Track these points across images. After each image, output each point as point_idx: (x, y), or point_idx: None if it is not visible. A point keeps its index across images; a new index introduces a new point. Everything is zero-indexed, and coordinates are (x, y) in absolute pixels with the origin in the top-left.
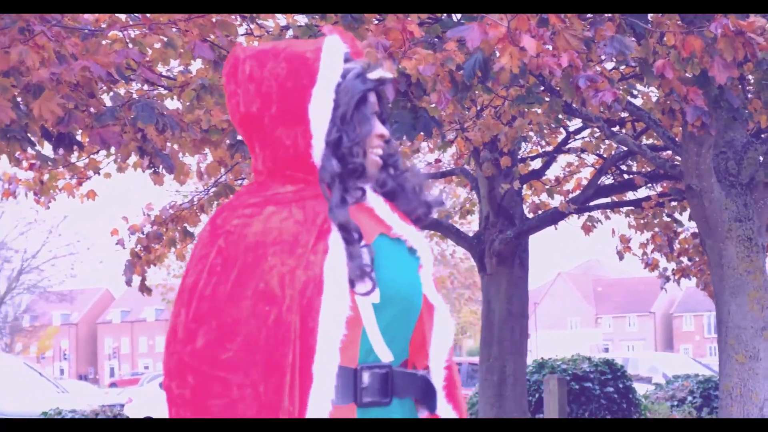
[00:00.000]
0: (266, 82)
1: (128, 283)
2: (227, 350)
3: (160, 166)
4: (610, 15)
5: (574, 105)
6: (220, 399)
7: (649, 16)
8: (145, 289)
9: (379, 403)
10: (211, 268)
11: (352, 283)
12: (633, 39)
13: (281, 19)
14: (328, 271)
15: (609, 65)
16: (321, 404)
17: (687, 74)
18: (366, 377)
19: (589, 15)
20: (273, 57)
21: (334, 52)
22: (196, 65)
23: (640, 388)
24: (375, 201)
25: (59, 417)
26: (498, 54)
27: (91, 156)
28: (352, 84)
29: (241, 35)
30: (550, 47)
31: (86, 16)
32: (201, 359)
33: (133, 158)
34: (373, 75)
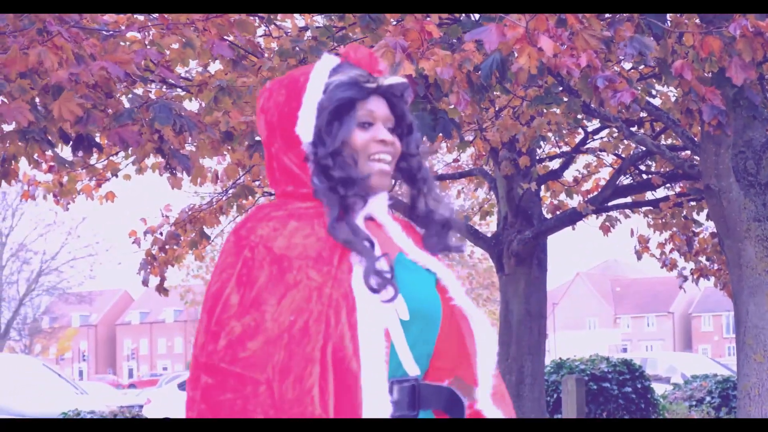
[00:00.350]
0: (270, 111)
1: (144, 283)
2: (246, 349)
3: (177, 168)
4: (628, 15)
5: (592, 105)
6: (233, 393)
7: (668, 16)
8: (162, 290)
9: (406, 416)
10: (238, 278)
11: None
12: (652, 39)
13: (299, 19)
14: (357, 288)
15: (627, 65)
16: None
17: (705, 73)
18: (395, 391)
19: (607, 15)
20: (279, 85)
21: (320, 69)
22: (215, 66)
23: (659, 388)
24: (392, 226)
25: (78, 417)
26: (516, 54)
27: (110, 158)
28: (329, 95)
29: (260, 36)
30: (569, 47)
31: (105, 17)
32: (220, 358)
33: (152, 160)
34: (370, 84)
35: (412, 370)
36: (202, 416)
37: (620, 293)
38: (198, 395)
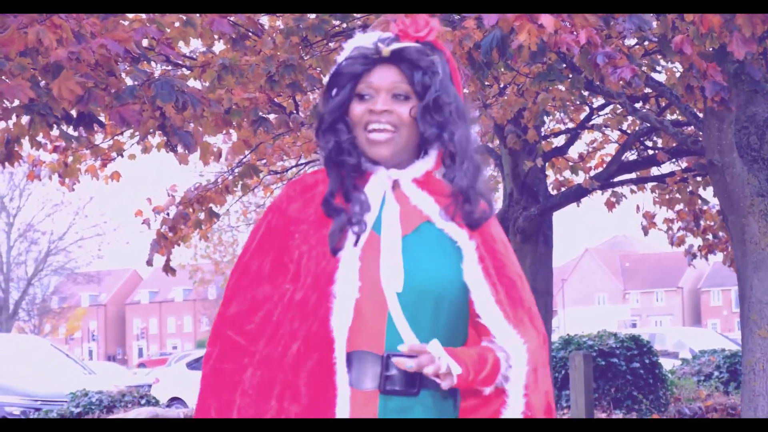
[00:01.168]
0: None
1: (149, 263)
2: (252, 322)
3: (178, 145)
4: None
5: (595, 82)
6: (233, 363)
7: None
8: (168, 269)
9: (405, 393)
10: (258, 243)
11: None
12: (652, 14)
13: None
14: (344, 257)
15: (631, 41)
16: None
17: (708, 48)
18: (393, 366)
19: None
20: None
21: (346, 48)
22: (219, 47)
23: (667, 364)
24: (418, 195)
25: (77, 417)
26: (516, 31)
27: (115, 137)
28: (331, 74)
29: (265, 14)
30: (568, 24)
31: None
32: (229, 325)
33: (157, 139)
34: (373, 55)
35: None
36: (203, 380)
37: (629, 268)
38: (203, 360)
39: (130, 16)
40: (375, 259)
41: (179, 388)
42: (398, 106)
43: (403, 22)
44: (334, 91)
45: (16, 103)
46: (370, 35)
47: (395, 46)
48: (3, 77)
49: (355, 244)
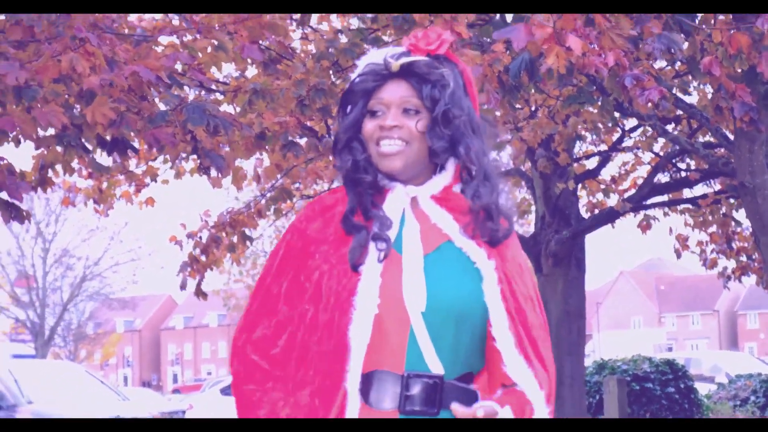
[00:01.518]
0: None
1: (182, 286)
2: (276, 346)
3: (210, 167)
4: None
5: (624, 104)
6: (256, 385)
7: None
8: (200, 293)
9: (425, 413)
10: (279, 265)
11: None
12: (681, 35)
13: (336, 22)
14: (365, 272)
15: (661, 63)
16: (350, 406)
17: (737, 69)
18: (413, 386)
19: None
20: None
21: (359, 66)
22: (252, 71)
23: (703, 388)
24: (437, 213)
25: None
26: (544, 54)
27: (149, 163)
28: (344, 92)
29: (297, 39)
30: (596, 47)
31: (141, 23)
32: (253, 350)
33: (191, 164)
34: (382, 71)
35: (435, 366)
36: (236, 404)
37: (664, 291)
38: (232, 386)
39: (164, 42)
40: (397, 278)
41: (213, 414)
42: (408, 121)
43: (415, 36)
44: (348, 109)
45: (50, 131)
46: (381, 51)
47: (404, 60)
48: (37, 104)
49: (379, 259)
